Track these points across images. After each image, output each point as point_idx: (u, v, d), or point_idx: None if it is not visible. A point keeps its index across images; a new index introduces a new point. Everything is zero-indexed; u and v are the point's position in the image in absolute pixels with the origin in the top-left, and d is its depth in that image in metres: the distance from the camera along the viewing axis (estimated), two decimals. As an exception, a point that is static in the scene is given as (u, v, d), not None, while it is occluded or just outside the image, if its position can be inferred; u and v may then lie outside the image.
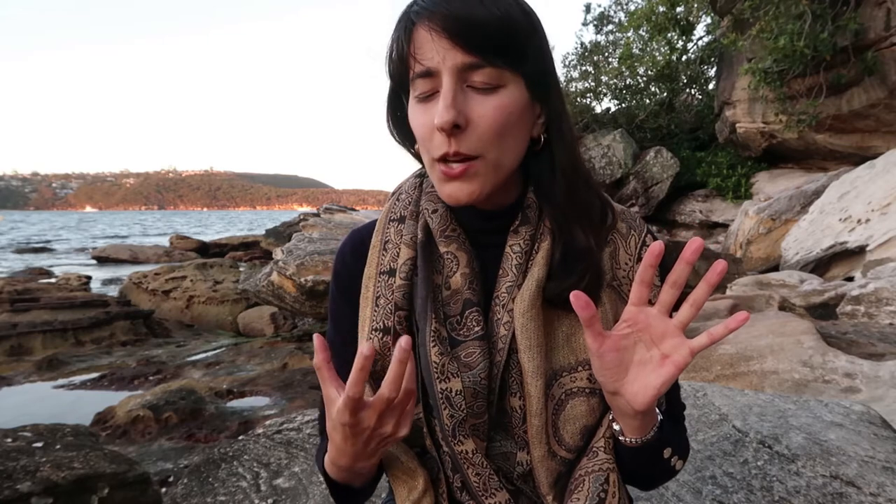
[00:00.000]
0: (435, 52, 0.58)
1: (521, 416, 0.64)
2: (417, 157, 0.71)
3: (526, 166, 0.67)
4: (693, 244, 0.54)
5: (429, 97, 0.60)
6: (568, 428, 0.65)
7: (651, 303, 0.59)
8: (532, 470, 0.65)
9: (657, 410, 0.64)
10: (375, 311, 0.68)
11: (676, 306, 0.59)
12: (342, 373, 0.65)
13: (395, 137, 0.71)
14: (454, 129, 0.58)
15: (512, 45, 0.59)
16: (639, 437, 0.62)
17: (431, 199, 0.69)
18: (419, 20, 0.59)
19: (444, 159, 0.60)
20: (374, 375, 0.66)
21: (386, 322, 0.66)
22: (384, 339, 0.66)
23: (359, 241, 0.74)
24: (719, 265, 0.54)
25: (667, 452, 0.65)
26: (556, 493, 0.66)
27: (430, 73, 0.59)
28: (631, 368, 0.58)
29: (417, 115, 0.62)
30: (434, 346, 0.62)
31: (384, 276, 0.69)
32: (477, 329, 0.64)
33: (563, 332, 0.66)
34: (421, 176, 0.74)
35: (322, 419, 0.70)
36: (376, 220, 0.75)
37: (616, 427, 0.64)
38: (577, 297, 0.54)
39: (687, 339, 0.57)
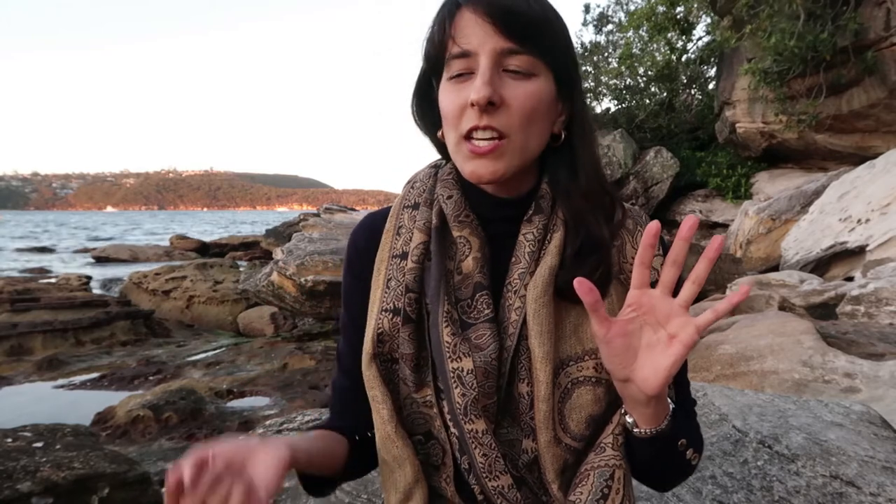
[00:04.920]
0: (475, 35, 0.61)
1: (529, 403, 0.65)
2: (438, 145, 0.73)
3: (541, 161, 0.69)
4: (688, 221, 0.55)
5: (463, 78, 0.63)
6: (574, 416, 0.65)
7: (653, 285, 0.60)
8: (538, 457, 0.65)
9: (669, 400, 0.64)
10: (386, 292, 0.69)
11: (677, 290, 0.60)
12: (350, 357, 0.72)
13: (418, 122, 0.74)
14: (488, 106, 0.60)
15: (546, 38, 0.63)
16: (652, 426, 0.62)
17: (447, 186, 0.71)
18: (465, 5, 0.62)
19: (471, 135, 0.62)
20: (382, 357, 0.68)
21: (396, 303, 0.67)
22: (394, 319, 0.67)
23: (372, 225, 0.76)
24: (716, 241, 0.55)
25: (681, 444, 0.65)
26: (562, 483, 0.66)
27: (467, 54, 0.62)
28: (639, 353, 0.58)
29: (450, 94, 0.64)
30: (447, 327, 0.64)
31: (396, 260, 0.70)
32: (487, 312, 0.65)
33: (570, 323, 0.66)
34: (436, 166, 0.76)
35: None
36: (390, 207, 0.77)
37: (629, 420, 0.63)
38: (580, 283, 0.55)
39: (692, 318, 0.57)
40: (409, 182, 0.77)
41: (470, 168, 0.64)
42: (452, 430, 0.66)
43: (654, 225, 0.57)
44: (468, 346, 0.63)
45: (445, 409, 0.65)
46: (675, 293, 0.59)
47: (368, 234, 0.75)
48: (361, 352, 0.69)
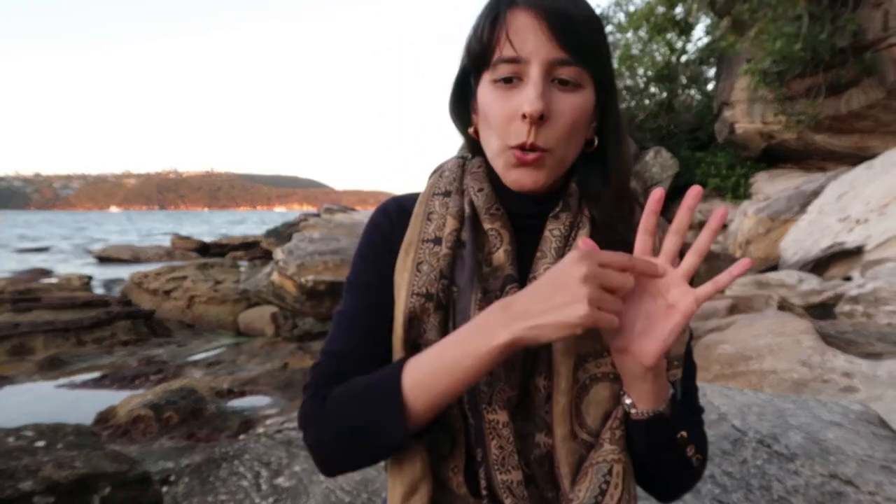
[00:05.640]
0: (529, 40, 0.60)
1: (545, 396, 0.64)
2: (469, 139, 0.73)
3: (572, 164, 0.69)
4: (693, 191, 0.55)
5: (510, 84, 0.62)
6: (591, 411, 0.65)
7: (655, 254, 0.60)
8: (551, 452, 0.65)
9: (669, 385, 0.64)
10: (417, 276, 0.67)
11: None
12: (368, 312, 0.66)
13: (454, 118, 0.73)
14: (538, 120, 0.60)
15: (594, 48, 0.62)
16: (650, 407, 0.61)
17: (477, 179, 0.70)
18: (523, 6, 0.61)
19: (521, 147, 0.62)
20: (410, 343, 0.66)
21: (429, 289, 0.66)
22: (425, 304, 0.65)
23: (402, 206, 0.74)
24: (720, 212, 0.55)
25: (682, 435, 0.64)
26: (574, 478, 0.65)
27: (517, 60, 0.60)
28: (638, 321, 0.58)
29: (495, 101, 0.63)
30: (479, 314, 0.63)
31: (428, 244, 0.69)
32: None
33: None
34: (463, 157, 0.76)
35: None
36: (414, 193, 0.75)
37: (627, 401, 0.63)
38: (584, 242, 0.56)
39: (692, 288, 0.57)
40: (436, 171, 0.77)
41: (513, 177, 0.64)
42: (470, 420, 0.65)
43: (658, 191, 0.57)
44: None
45: (465, 399, 0.65)
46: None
47: (399, 213, 0.73)
48: (386, 312, 0.67)
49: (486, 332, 0.56)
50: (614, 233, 0.66)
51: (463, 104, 0.71)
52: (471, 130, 0.70)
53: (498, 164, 0.66)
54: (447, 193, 0.71)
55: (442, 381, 0.58)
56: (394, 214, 0.73)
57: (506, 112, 0.62)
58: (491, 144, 0.66)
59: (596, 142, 0.68)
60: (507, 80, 0.62)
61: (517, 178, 0.64)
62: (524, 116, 0.60)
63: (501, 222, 0.68)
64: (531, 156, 0.62)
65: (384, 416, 0.59)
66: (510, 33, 0.60)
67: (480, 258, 0.67)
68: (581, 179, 0.69)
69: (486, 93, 0.64)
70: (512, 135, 0.62)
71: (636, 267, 0.56)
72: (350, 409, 0.62)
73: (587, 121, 0.65)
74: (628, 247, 0.65)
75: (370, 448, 0.62)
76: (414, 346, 0.67)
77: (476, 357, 0.56)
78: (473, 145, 0.72)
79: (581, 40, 0.61)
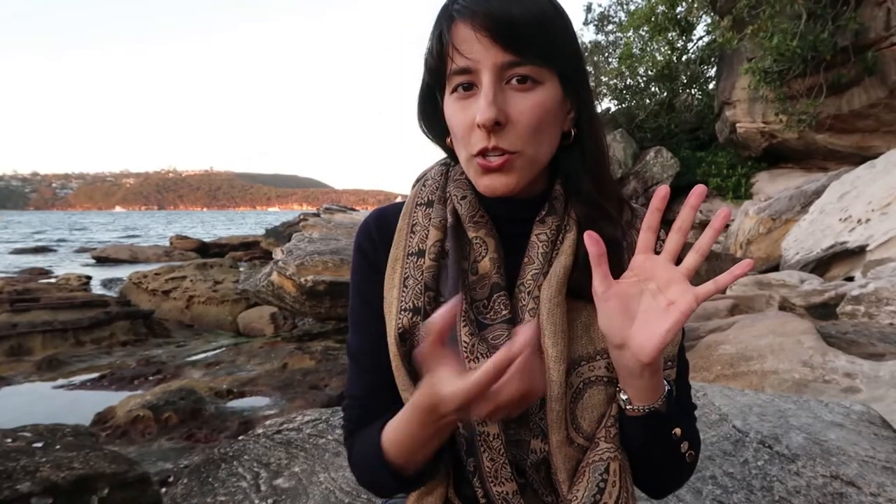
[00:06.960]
0: (475, 50, 0.60)
1: (539, 403, 0.64)
2: (448, 150, 0.73)
3: (555, 159, 0.68)
4: (696, 190, 0.55)
5: (467, 94, 0.62)
6: (586, 416, 0.64)
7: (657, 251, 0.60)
8: (547, 458, 0.65)
9: (665, 382, 0.63)
10: (404, 291, 0.67)
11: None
12: (377, 356, 0.68)
13: (425, 132, 0.73)
14: (495, 127, 0.60)
15: (548, 42, 0.61)
16: (645, 404, 0.61)
17: (460, 186, 0.70)
18: (460, 18, 0.60)
19: (482, 153, 0.62)
20: (405, 355, 0.66)
21: (416, 302, 0.66)
22: (414, 319, 0.66)
23: (384, 221, 0.74)
24: (723, 212, 0.55)
25: (677, 432, 0.64)
26: (571, 483, 0.65)
27: (468, 71, 0.61)
28: (637, 318, 0.58)
29: (456, 112, 0.63)
30: (464, 326, 0.63)
31: (412, 258, 0.69)
32: (504, 312, 0.65)
33: (582, 322, 0.66)
34: (446, 164, 0.76)
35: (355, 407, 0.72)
36: (399, 203, 0.75)
37: (623, 397, 0.62)
38: (590, 235, 0.56)
39: (692, 286, 0.56)
40: (419, 180, 0.76)
41: (484, 183, 0.63)
42: (461, 431, 0.65)
43: (663, 188, 0.57)
44: (486, 347, 0.63)
45: None
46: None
47: (381, 230, 0.73)
48: (388, 346, 0.68)
49: (433, 417, 0.57)
50: (602, 234, 0.65)
51: (436, 117, 0.71)
52: (448, 141, 0.70)
53: (470, 174, 0.66)
54: (430, 203, 0.72)
55: (417, 445, 0.61)
56: (375, 233, 0.73)
57: (466, 122, 0.62)
58: (460, 155, 0.66)
59: (574, 133, 0.68)
60: (466, 89, 0.62)
61: (488, 184, 0.63)
62: (479, 126, 0.60)
63: (486, 230, 0.67)
64: (496, 161, 0.61)
65: (383, 480, 0.66)
66: (456, 46, 0.61)
67: (466, 267, 0.67)
68: (564, 176, 0.69)
69: (449, 105, 0.64)
70: (473, 143, 0.62)
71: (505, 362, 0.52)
72: (361, 471, 0.70)
73: (554, 116, 0.64)
74: (617, 245, 0.65)
75: (391, 494, 0.71)
76: (410, 355, 0.67)
77: (435, 430, 0.59)
78: (453, 154, 0.72)
79: (528, 39, 0.59)
